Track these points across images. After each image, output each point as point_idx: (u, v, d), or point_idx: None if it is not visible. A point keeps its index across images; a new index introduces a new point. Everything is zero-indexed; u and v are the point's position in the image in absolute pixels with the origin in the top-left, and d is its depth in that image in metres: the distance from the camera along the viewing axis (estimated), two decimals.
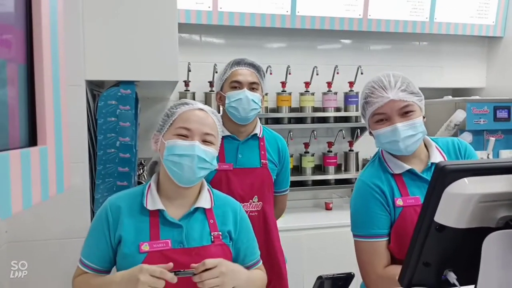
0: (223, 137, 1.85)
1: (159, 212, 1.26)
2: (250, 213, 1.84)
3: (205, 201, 1.32)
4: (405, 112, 1.34)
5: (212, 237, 1.28)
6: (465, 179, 0.80)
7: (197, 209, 1.30)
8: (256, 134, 1.91)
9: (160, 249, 1.22)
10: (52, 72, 0.74)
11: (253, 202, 1.86)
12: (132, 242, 1.23)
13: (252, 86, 1.84)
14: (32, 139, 0.70)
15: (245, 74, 1.84)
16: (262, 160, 1.89)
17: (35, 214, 1.68)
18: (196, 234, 1.26)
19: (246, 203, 1.84)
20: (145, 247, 1.22)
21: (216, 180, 1.81)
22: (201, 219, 1.30)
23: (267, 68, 2.95)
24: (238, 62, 1.86)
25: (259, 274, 1.40)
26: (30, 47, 0.69)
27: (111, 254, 1.26)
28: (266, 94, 3.08)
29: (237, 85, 1.83)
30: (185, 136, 1.25)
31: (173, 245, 1.23)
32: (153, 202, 1.27)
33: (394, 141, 1.34)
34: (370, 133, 1.45)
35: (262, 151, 1.91)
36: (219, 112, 1.59)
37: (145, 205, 1.26)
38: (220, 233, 1.29)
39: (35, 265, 1.74)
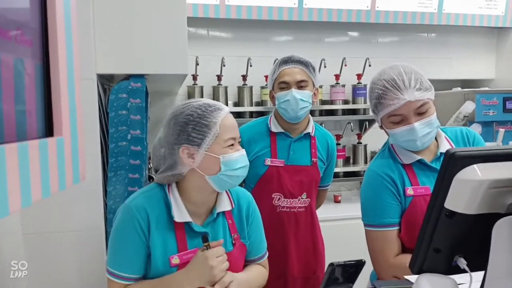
0: (276, 134, 1.88)
1: (185, 223, 1.24)
2: (298, 209, 1.88)
3: (225, 204, 1.31)
4: (422, 111, 1.33)
5: (233, 239, 1.30)
6: (475, 165, 0.81)
7: (218, 213, 1.29)
8: (308, 132, 1.91)
9: (190, 259, 1.21)
10: (67, 66, 0.75)
11: (302, 198, 1.88)
12: (160, 255, 1.21)
13: (300, 84, 1.82)
14: (49, 131, 0.72)
15: (292, 73, 1.82)
16: (312, 159, 1.90)
17: (49, 206, 1.70)
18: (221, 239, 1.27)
19: (295, 199, 1.86)
20: (175, 260, 1.21)
21: (268, 176, 1.84)
22: (223, 222, 1.31)
23: (274, 61, 2.95)
24: (285, 61, 1.84)
25: (259, 272, 1.39)
26: (46, 42, 0.71)
27: (146, 259, 1.22)
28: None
29: (284, 85, 1.82)
30: (232, 145, 1.24)
31: None
32: (180, 214, 1.23)
33: (411, 140, 1.34)
34: (381, 127, 1.45)
35: (313, 149, 1.91)
36: None
37: (173, 218, 1.22)
38: (239, 234, 1.31)
39: (51, 256, 1.77)
